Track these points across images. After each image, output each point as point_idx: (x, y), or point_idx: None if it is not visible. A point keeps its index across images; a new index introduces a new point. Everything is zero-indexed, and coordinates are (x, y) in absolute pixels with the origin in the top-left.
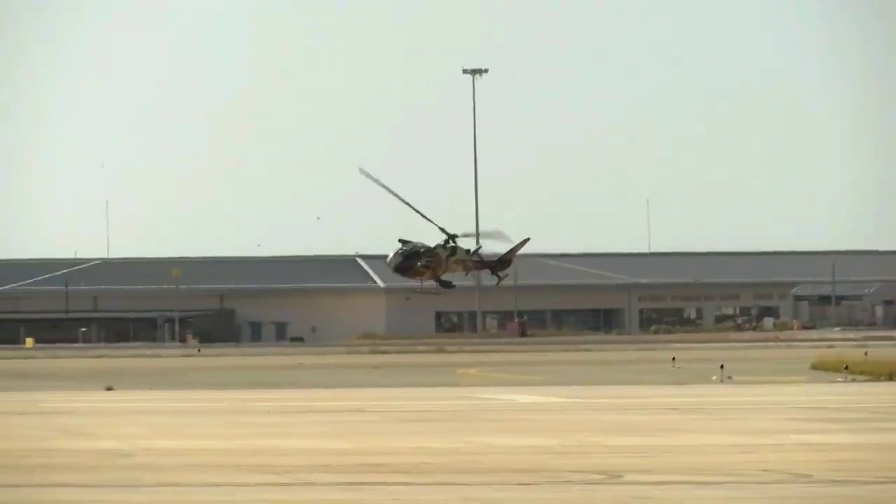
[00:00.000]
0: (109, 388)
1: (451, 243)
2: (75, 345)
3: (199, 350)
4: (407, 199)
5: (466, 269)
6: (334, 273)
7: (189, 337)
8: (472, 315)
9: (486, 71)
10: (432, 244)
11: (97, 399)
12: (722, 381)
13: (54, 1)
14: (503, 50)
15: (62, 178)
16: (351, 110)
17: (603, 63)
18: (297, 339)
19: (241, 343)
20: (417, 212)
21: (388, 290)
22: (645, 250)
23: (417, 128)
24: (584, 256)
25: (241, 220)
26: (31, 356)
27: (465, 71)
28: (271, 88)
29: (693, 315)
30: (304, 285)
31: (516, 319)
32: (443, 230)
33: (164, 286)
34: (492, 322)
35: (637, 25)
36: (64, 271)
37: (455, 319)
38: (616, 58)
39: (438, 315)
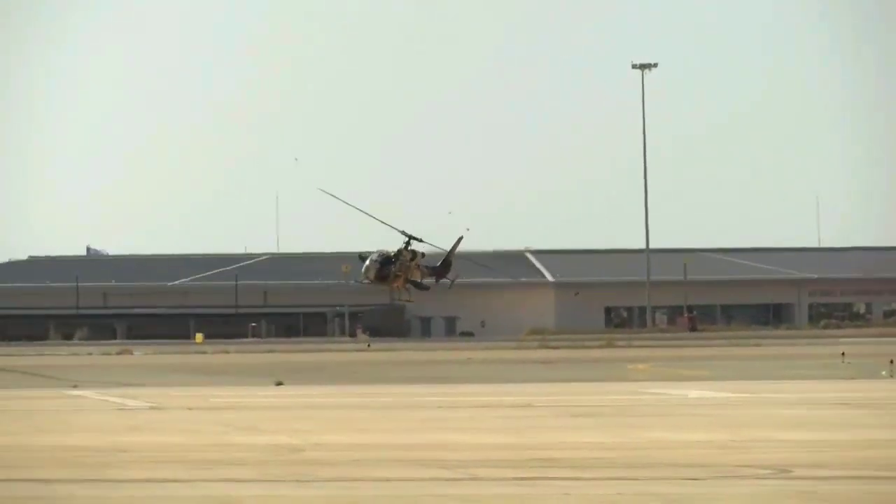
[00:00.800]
0: (279, 384)
1: (411, 246)
2: (245, 340)
3: (368, 345)
4: (361, 208)
5: (423, 275)
6: (504, 267)
7: (359, 332)
8: (642, 310)
9: (655, 65)
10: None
11: (267, 394)
12: (892, 376)
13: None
14: (670, 44)
15: (232, 173)
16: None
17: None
18: (467, 334)
19: (410, 338)
20: (375, 218)
21: (557, 285)
22: (815, 245)
23: (583, 124)
24: (754, 251)
25: (409, 215)
26: (200, 351)
27: (634, 66)
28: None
29: (862, 310)
30: (473, 280)
31: (686, 314)
32: (403, 233)
33: (334, 281)
34: (661, 317)
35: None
36: (234, 266)
37: (625, 314)
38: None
39: (608, 310)
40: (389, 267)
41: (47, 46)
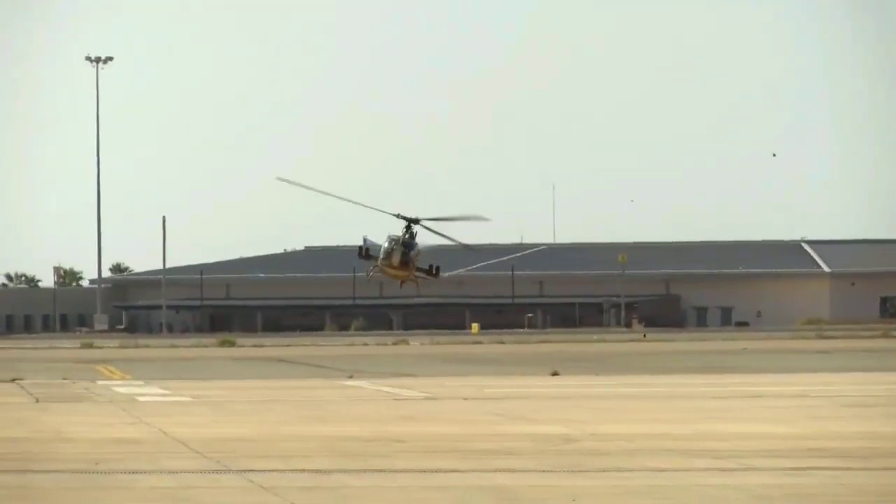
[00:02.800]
0: (555, 374)
1: (413, 230)
2: (520, 330)
3: (644, 335)
4: (340, 195)
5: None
6: (779, 258)
7: (635, 322)
8: None
9: None
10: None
11: (542, 384)
12: None
13: None
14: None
15: (509, 163)
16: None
17: None
18: (742, 324)
19: (685, 328)
20: (361, 204)
21: (833, 276)
22: None
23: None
24: None
25: (682, 206)
26: (476, 341)
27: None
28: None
29: None
30: (749, 270)
31: None
32: (400, 216)
33: (610, 271)
34: None
35: None
36: (510, 256)
37: None
38: None
39: (883, 300)
40: (409, 252)
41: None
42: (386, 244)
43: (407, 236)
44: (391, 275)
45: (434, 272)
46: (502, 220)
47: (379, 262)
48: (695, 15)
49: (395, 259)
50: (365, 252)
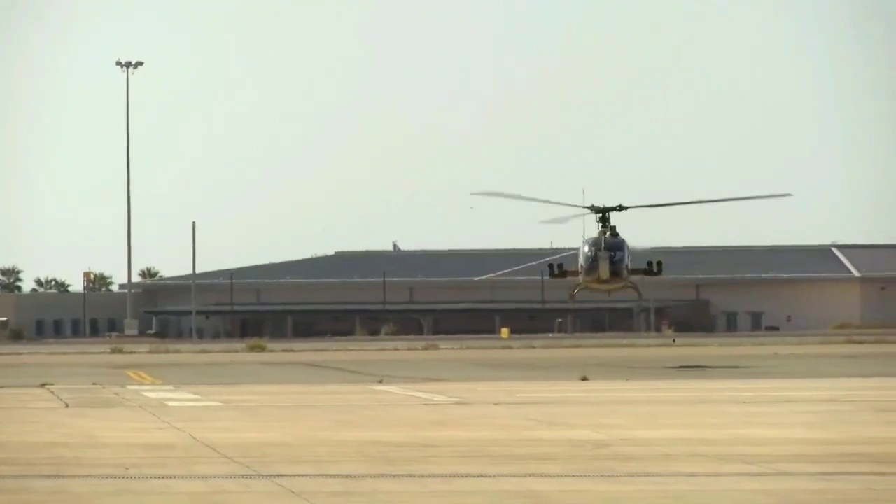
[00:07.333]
0: (584, 378)
1: (609, 223)
2: (550, 335)
3: (674, 340)
4: (533, 196)
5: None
6: (809, 263)
7: (665, 327)
8: None
9: None
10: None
11: (572, 389)
12: None
13: None
14: None
15: (540, 168)
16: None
17: None
18: (772, 329)
19: (716, 332)
20: (551, 202)
21: (863, 280)
22: None
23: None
24: None
25: (712, 211)
26: (506, 346)
27: None
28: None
29: None
30: (779, 275)
31: None
32: (593, 208)
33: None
34: None
35: None
36: (540, 261)
37: None
38: None
39: None
40: (617, 258)
41: None
42: (586, 249)
43: (608, 234)
44: (603, 290)
45: (656, 269)
46: (532, 225)
47: (581, 278)
48: (717, 16)
49: (604, 271)
50: (559, 269)
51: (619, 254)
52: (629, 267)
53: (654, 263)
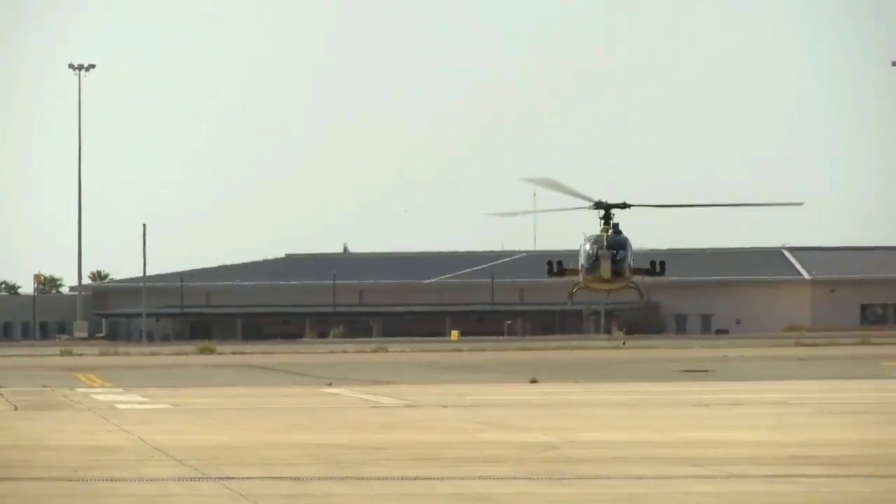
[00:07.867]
0: (534, 381)
1: (612, 220)
2: (500, 337)
3: (623, 343)
4: (573, 189)
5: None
6: (760, 265)
7: (615, 329)
8: None
9: None
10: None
11: (522, 392)
12: None
13: None
14: None
15: (488, 172)
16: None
17: None
18: (722, 331)
19: (665, 335)
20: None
21: (813, 283)
22: None
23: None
24: None
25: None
26: (456, 349)
27: None
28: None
29: None
30: (729, 277)
31: None
32: (598, 204)
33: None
34: None
35: None
36: (490, 264)
37: (880, 311)
38: None
39: (863, 307)
40: (619, 256)
41: None
42: (587, 247)
43: (610, 231)
44: (603, 290)
45: (659, 269)
46: (482, 227)
47: (582, 277)
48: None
49: (605, 271)
50: (558, 267)
51: (621, 252)
52: (632, 266)
53: (657, 263)
